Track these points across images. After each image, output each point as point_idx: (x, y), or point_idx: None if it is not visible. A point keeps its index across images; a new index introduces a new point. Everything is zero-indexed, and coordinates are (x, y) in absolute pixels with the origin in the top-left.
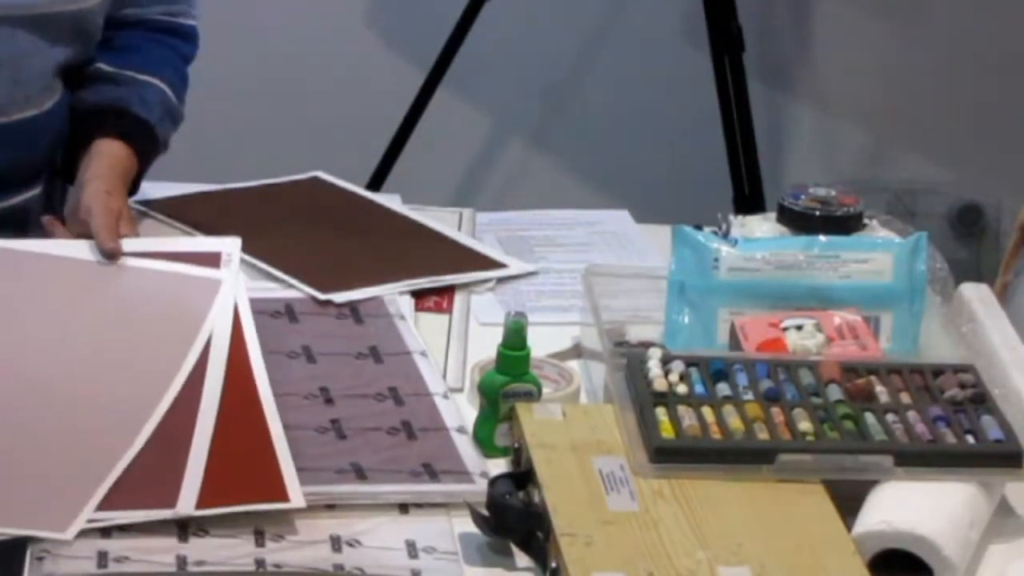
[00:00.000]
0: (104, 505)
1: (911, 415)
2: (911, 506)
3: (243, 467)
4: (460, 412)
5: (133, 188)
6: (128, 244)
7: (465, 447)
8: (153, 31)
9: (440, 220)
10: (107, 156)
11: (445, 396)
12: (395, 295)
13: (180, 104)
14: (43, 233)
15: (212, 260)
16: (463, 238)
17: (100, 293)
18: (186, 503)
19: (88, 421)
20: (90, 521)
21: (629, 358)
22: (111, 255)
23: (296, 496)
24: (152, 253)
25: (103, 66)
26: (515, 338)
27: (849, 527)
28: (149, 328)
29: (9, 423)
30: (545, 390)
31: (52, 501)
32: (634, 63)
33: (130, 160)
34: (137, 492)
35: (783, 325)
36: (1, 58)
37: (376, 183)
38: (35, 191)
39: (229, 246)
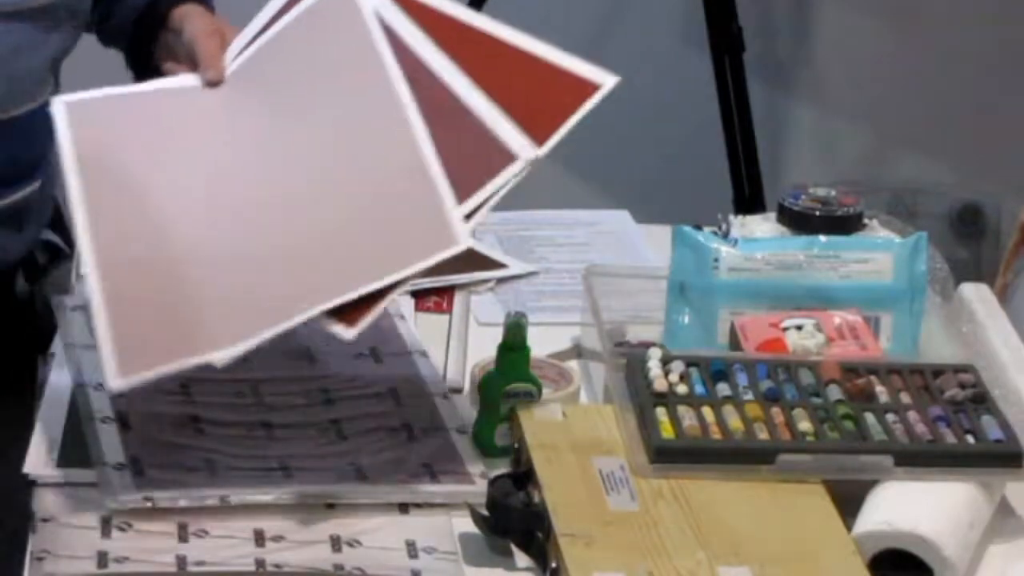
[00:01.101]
0: (460, 199)
1: (911, 415)
2: (911, 506)
3: (533, 88)
4: (460, 412)
5: None
6: (244, 35)
7: (465, 447)
8: None
9: None
10: (193, 12)
11: (445, 396)
12: (395, 295)
13: None
14: (43, 222)
15: None
16: None
17: (258, 93)
18: (524, 149)
19: (368, 163)
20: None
21: (629, 358)
22: (210, 84)
23: (605, 78)
24: (269, 23)
25: None
26: (515, 338)
27: (849, 527)
28: (328, 76)
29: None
30: (545, 390)
31: (419, 231)
32: (634, 63)
33: (210, 11)
34: (473, 173)
35: (783, 325)
36: None
37: None
38: (33, 186)
39: None
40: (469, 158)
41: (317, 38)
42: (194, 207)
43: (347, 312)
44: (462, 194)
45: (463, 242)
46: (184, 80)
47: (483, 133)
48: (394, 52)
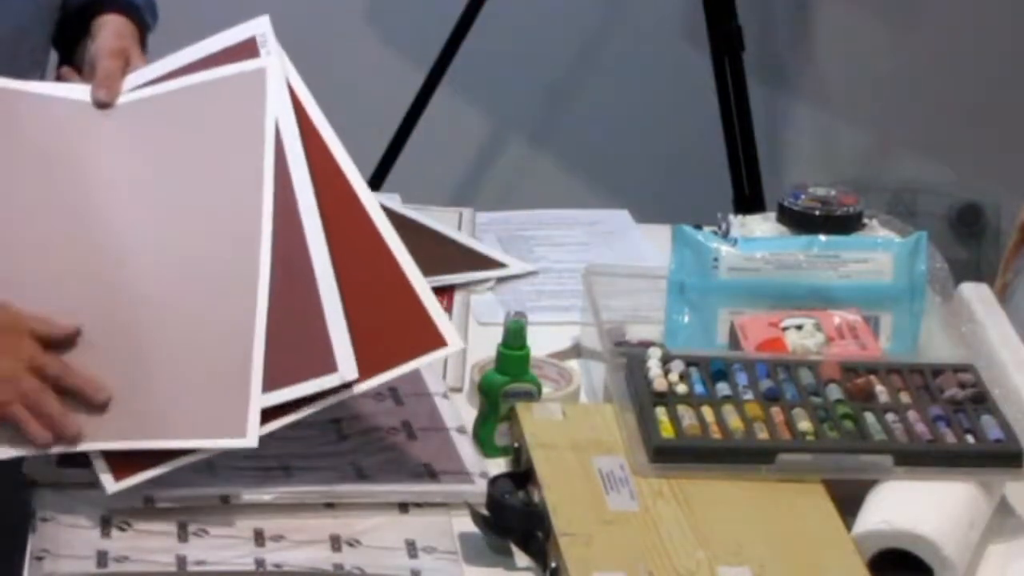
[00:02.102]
0: (268, 387)
1: (911, 415)
2: (911, 506)
3: (386, 312)
4: (460, 412)
5: None
6: (149, 71)
7: (465, 447)
8: None
9: (440, 220)
10: (111, 23)
11: (445, 396)
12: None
13: (156, 10)
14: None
15: (247, 49)
16: (463, 238)
17: (138, 138)
18: (347, 367)
19: (198, 309)
20: (265, 417)
21: (629, 358)
22: (99, 105)
23: (453, 338)
24: (179, 70)
25: None
26: (515, 338)
27: (849, 527)
28: (208, 161)
29: (122, 331)
30: (545, 390)
31: (216, 408)
32: (634, 63)
33: (131, 28)
34: (292, 366)
35: (783, 325)
36: (1, 35)
37: (376, 183)
38: None
39: (259, 26)
40: (294, 338)
41: (216, 115)
42: (25, 247)
43: (120, 461)
44: (270, 381)
45: (251, 441)
46: (75, 91)
47: (319, 323)
48: (276, 179)
